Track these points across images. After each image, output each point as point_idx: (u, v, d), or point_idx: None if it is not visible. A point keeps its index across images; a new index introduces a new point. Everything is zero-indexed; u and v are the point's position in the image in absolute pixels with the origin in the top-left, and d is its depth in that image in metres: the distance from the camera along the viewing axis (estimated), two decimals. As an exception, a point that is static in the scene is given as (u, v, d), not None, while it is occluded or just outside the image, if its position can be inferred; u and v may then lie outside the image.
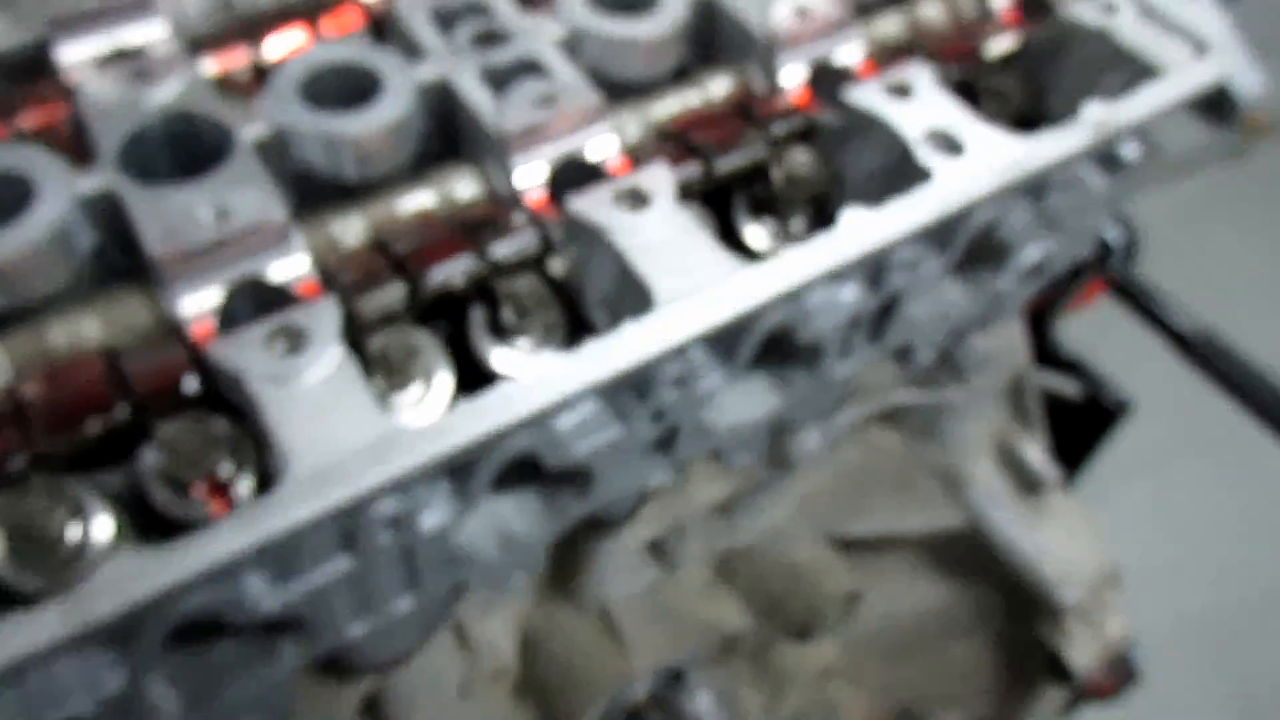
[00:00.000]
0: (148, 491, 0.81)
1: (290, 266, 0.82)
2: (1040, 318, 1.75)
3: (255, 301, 0.82)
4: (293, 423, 0.70)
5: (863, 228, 0.85)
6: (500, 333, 0.91)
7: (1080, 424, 1.77)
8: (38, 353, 0.80)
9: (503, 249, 0.88)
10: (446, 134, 0.96)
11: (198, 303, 0.80)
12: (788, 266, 0.82)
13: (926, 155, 0.91)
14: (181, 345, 0.79)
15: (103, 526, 0.77)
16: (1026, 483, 1.54)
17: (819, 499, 1.52)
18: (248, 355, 0.73)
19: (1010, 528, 1.50)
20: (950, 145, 0.92)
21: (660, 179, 0.86)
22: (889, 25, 1.13)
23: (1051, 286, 1.68)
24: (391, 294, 0.84)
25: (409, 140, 0.92)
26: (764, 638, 1.56)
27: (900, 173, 0.93)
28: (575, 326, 0.94)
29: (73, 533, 0.76)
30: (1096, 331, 1.87)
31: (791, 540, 1.51)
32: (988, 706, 1.70)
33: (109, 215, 0.84)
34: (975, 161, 0.91)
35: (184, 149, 0.89)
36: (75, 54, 0.96)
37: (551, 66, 0.95)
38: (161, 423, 0.78)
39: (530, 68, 0.95)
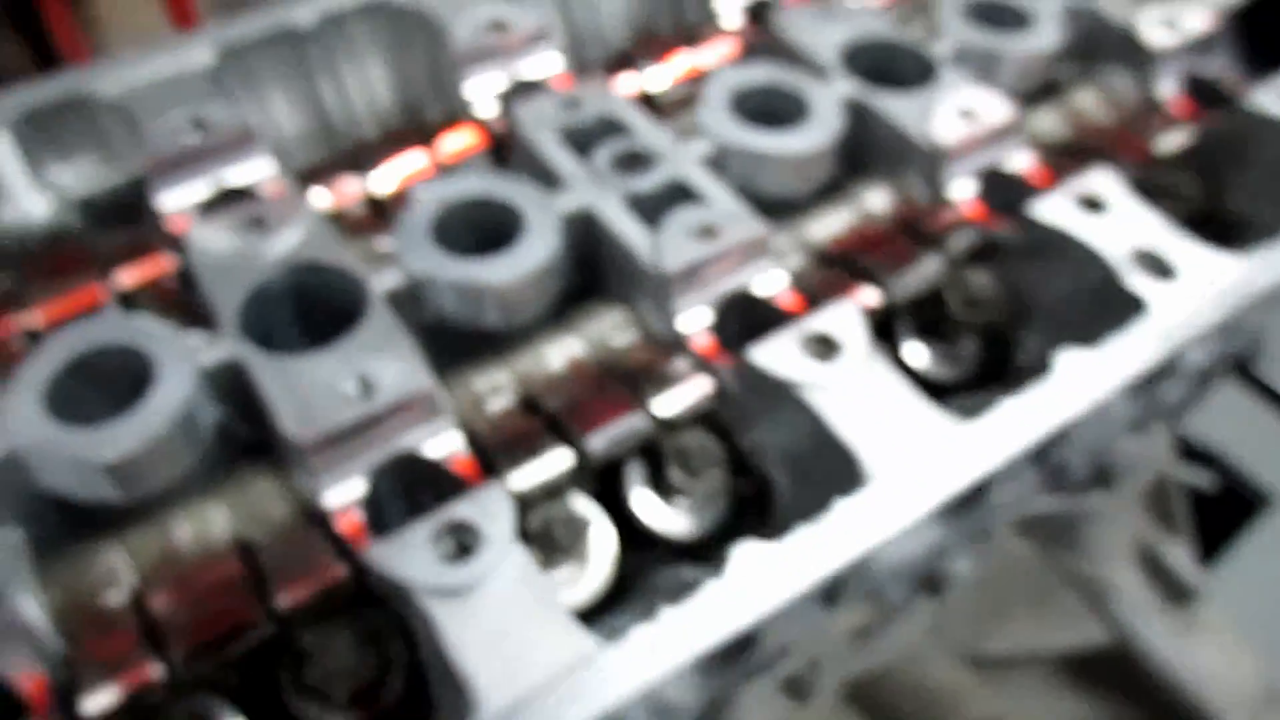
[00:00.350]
0: (290, 705, 0.71)
1: (443, 443, 0.72)
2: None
3: (405, 484, 0.73)
4: (476, 647, 0.60)
5: (1084, 374, 0.75)
6: (662, 490, 0.81)
7: (1216, 517, 1.65)
8: (164, 553, 0.70)
9: (668, 405, 0.78)
10: (588, 267, 0.87)
11: (344, 493, 0.70)
12: (1010, 426, 0.72)
13: (1135, 280, 0.81)
14: (326, 543, 0.69)
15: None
16: (1174, 592, 1.42)
17: (955, 616, 1.40)
18: (415, 562, 0.63)
19: (1163, 644, 1.38)
20: (1159, 268, 0.82)
21: (850, 321, 0.76)
22: (1048, 121, 1.03)
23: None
24: (554, 465, 0.74)
25: (554, 282, 0.82)
26: (892, 767, 1.43)
27: (1102, 299, 0.83)
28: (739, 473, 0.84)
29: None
30: (1224, 416, 1.75)
31: (926, 661, 1.39)
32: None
33: (232, 385, 0.74)
34: (1191, 286, 0.81)
35: (310, 303, 0.80)
36: (177, 200, 0.88)
37: (704, 191, 0.85)
38: (306, 634, 0.68)
39: (681, 192, 0.86)
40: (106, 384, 0.74)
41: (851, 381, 0.73)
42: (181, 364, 0.71)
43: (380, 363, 0.72)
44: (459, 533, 0.65)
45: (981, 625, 1.41)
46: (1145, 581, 1.43)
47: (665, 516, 0.82)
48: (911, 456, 0.69)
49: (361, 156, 0.95)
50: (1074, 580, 1.42)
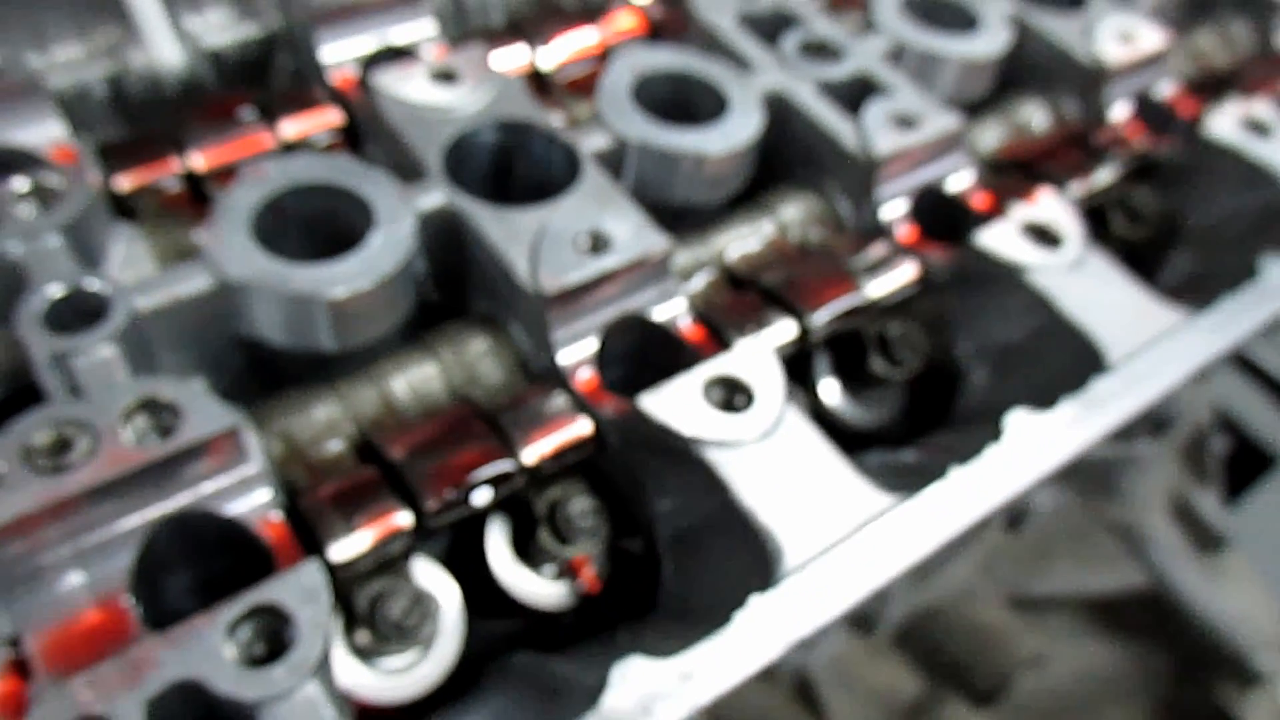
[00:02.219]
0: (494, 566, 0.67)
1: (672, 307, 0.69)
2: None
3: (632, 345, 0.69)
4: (770, 499, 0.58)
5: (1288, 277, 0.76)
6: (858, 378, 0.80)
7: (1233, 472, 1.72)
8: (382, 406, 0.66)
9: (878, 287, 0.76)
10: (769, 154, 0.84)
11: (578, 351, 0.66)
12: (1232, 318, 0.73)
13: (1314, 198, 0.83)
14: (568, 399, 0.65)
15: (450, 612, 0.63)
16: (1205, 539, 1.48)
17: (1001, 558, 1.42)
18: (693, 412, 0.60)
19: (1195, 588, 1.43)
20: (1334, 189, 0.84)
21: (1064, 213, 0.76)
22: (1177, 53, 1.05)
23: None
24: (781, 334, 0.71)
25: (753, 161, 0.80)
26: (929, 705, 1.45)
27: (1272, 217, 0.84)
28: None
29: (431, 618, 0.62)
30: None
31: (974, 601, 1.41)
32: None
33: (439, 236, 0.70)
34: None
35: (507, 162, 0.76)
36: (340, 53, 0.82)
37: (893, 84, 0.84)
38: (542, 490, 0.64)
39: (868, 86, 0.84)
40: (305, 225, 0.68)
41: (1077, 270, 0.73)
42: (401, 207, 0.66)
43: (612, 219, 0.68)
44: (728, 387, 0.62)
45: (1026, 567, 1.44)
46: (1178, 529, 1.48)
47: (846, 404, 0.81)
48: (1146, 342, 0.70)
49: (525, 30, 0.90)
50: (1112, 526, 1.46)
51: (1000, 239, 0.74)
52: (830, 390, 0.80)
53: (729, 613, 0.53)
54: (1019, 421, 0.63)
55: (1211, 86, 1.00)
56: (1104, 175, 0.88)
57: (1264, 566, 1.51)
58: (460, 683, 0.63)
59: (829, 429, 0.81)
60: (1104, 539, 1.46)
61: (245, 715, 0.48)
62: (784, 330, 0.71)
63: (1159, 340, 0.70)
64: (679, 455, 0.60)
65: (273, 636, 0.51)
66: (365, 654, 0.61)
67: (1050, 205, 0.76)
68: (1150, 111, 0.94)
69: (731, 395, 0.62)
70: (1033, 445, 0.63)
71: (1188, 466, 1.49)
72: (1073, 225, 0.75)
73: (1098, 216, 0.91)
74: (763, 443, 0.60)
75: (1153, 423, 1.37)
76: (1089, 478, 1.48)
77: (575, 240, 0.67)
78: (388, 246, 0.65)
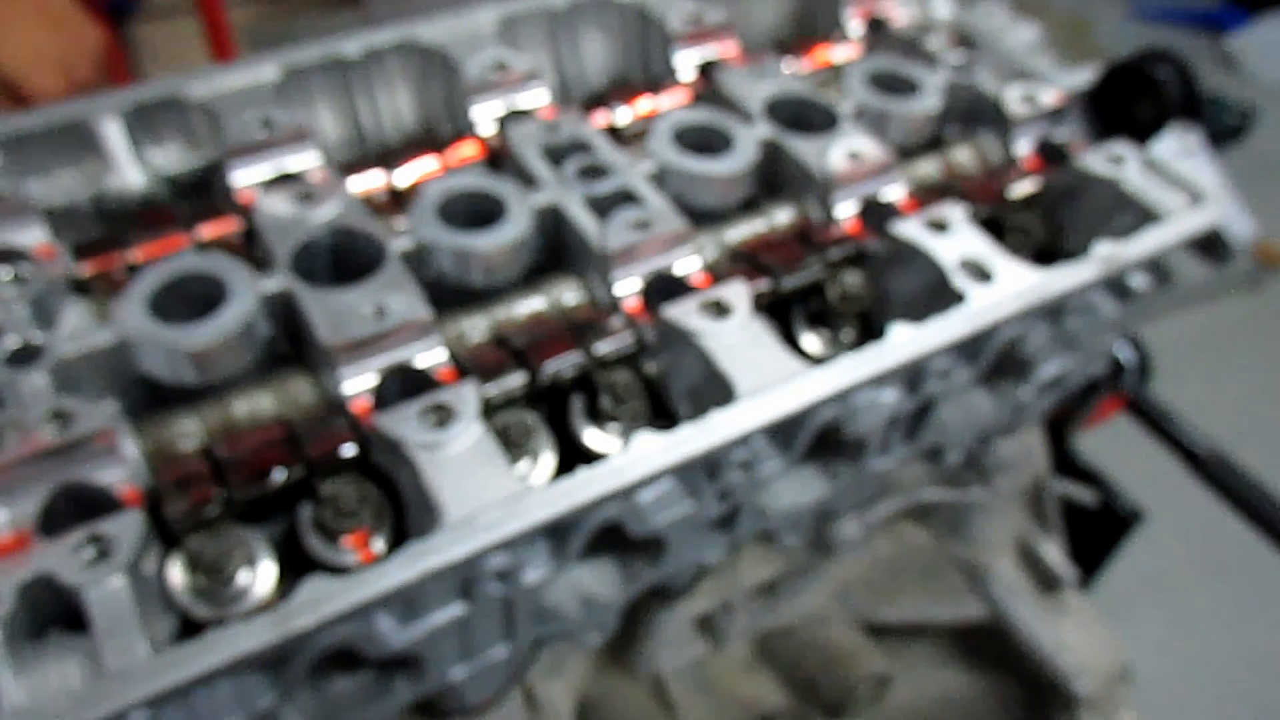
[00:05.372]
0: (303, 539, 0.97)
1: (433, 356, 0.99)
2: (1059, 429, 1.90)
3: (403, 384, 0.99)
4: (445, 481, 0.86)
5: (907, 340, 1.02)
6: (597, 417, 1.08)
7: (1095, 530, 1.90)
8: (225, 422, 0.97)
9: (603, 347, 1.04)
10: (554, 249, 1.14)
11: (358, 384, 0.96)
12: (844, 369, 0.99)
13: (961, 281, 1.08)
14: (344, 418, 0.95)
15: (267, 571, 0.92)
16: (1045, 580, 1.67)
17: (854, 586, 1.65)
18: (407, 427, 0.89)
19: (1030, 621, 1.63)
20: (980, 273, 1.09)
21: (738, 293, 1.03)
22: (928, 167, 1.32)
23: (1069, 400, 1.85)
24: (514, 381, 1.00)
25: (525, 254, 1.09)
26: (798, 716, 1.67)
27: (938, 295, 1.10)
28: (658, 414, 1.10)
29: (244, 575, 0.92)
30: (1118, 447, 2.00)
31: (827, 623, 1.64)
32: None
33: (281, 311, 1.01)
34: (1001, 288, 1.08)
35: (342, 257, 1.07)
36: (246, 179, 1.15)
37: (644, 196, 1.13)
38: (325, 481, 0.94)
39: (627, 197, 1.14)
40: (190, 299, 1.01)
41: (735, 334, 1.00)
42: (248, 287, 0.98)
43: (392, 297, 0.99)
44: (439, 411, 0.91)
45: (879, 597, 1.66)
46: (1020, 569, 1.68)
47: (597, 437, 1.08)
48: (769, 385, 0.96)
49: (388, 158, 1.23)
50: (959, 564, 1.67)
51: (681, 312, 1.01)
52: (585, 427, 1.08)
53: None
54: (643, 438, 0.91)
55: (940, 191, 1.25)
56: (815, 264, 1.14)
57: (1109, 612, 1.69)
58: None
59: (580, 455, 1.09)
60: (952, 575, 1.67)
61: (77, 600, 0.79)
62: (518, 377, 1.00)
63: (778, 383, 0.96)
64: (401, 456, 0.89)
65: (104, 552, 0.81)
66: (200, 592, 0.91)
67: (727, 288, 1.04)
68: (872, 212, 1.20)
69: (440, 416, 0.91)
70: (647, 454, 0.90)
71: (1031, 516, 1.70)
72: (742, 302, 1.02)
73: (820, 292, 1.18)
74: (453, 447, 0.88)
75: (975, 469, 1.59)
76: (942, 521, 1.70)
77: (363, 311, 0.98)
78: (233, 314, 0.96)
